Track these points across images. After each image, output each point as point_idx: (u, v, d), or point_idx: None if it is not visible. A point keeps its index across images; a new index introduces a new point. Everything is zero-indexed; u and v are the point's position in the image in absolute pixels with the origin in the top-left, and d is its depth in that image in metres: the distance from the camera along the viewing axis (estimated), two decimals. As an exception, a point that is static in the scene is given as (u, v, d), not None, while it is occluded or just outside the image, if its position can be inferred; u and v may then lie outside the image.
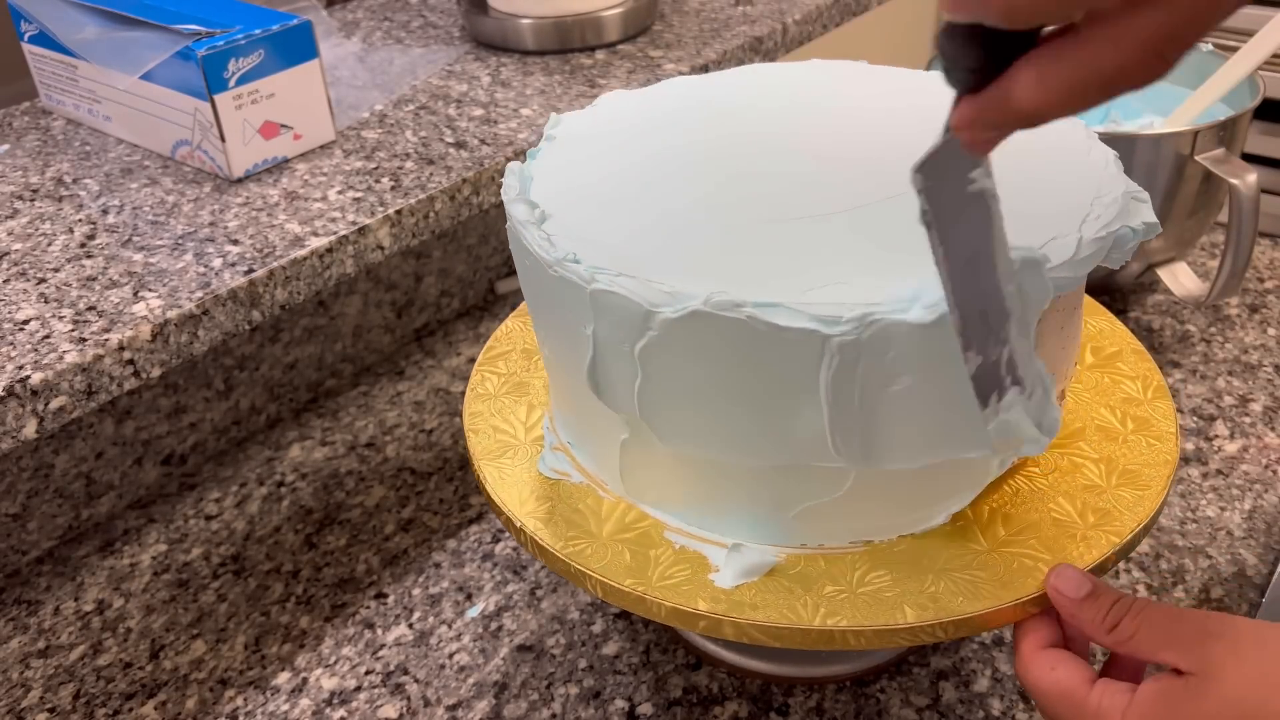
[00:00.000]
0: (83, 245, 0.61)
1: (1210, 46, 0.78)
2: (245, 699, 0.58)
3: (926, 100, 0.53)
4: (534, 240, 0.43)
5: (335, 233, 0.62)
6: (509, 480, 0.50)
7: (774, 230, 0.44)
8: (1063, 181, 0.46)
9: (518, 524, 0.48)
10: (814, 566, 0.45)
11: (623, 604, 0.45)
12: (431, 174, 0.67)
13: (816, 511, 0.45)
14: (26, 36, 0.75)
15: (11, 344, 0.53)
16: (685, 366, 0.41)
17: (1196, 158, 0.70)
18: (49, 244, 0.61)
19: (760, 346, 0.39)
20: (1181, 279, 0.76)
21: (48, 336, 0.53)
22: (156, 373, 0.55)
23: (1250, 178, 0.67)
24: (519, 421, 0.54)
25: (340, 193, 0.66)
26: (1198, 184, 0.72)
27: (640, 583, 0.44)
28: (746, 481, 0.45)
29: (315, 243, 0.61)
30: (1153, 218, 0.43)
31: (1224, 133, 0.70)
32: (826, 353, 0.39)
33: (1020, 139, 0.49)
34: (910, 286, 0.39)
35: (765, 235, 0.43)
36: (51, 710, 0.58)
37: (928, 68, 0.70)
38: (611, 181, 0.48)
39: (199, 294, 0.57)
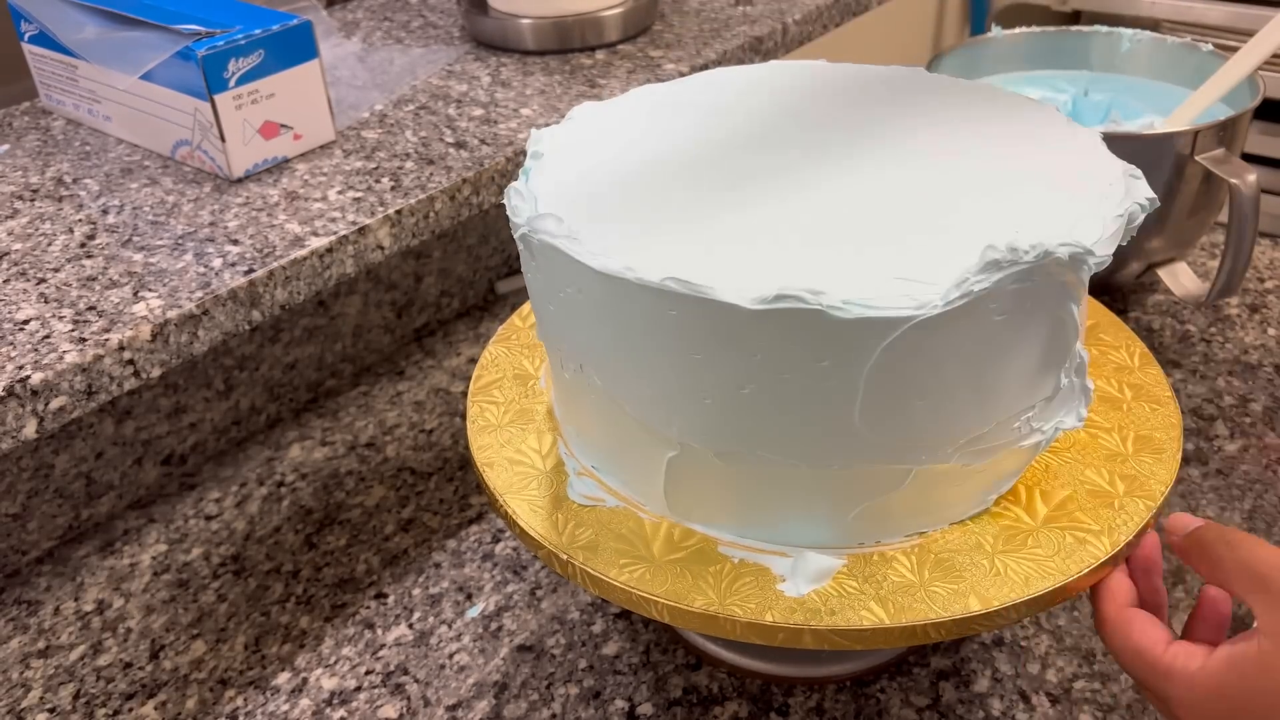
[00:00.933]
0: (83, 245, 0.61)
1: (1210, 46, 0.78)
2: (245, 699, 0.58)
3: (886, 92, 0.55)
4: (611, 266, 0.42)
5: (335, 233, 0.62)
6: (541, 513, 0.48)
7: (802, 228, 0.44)
8: (1062, 166, 0.46)
9: (564, 557, 0.46)
10: (877, 565, 0.45)
11: (693, 626, 0.44)
12: (432, 174, 0.67)
13: (874, 510, 0.45)
14: (26, 36, 0.75)
15: (11, 344, 0.53)
16: (790, 378, 0.41)
17: (1197, 158, 0.70)
18: (49, 244, 0.61)
19: (857, 342, 0.39)
20: (1181, 279, 0.76)
21: (48, 336, 0.53)
22: (156, 373, 0.55)
23: (1250, 177, 0.67)
24: (533, 450, 0.52)
25: (340, 193, 0.66)
26: (1198, 184, 0.72)
27: (710, 602, 0.43)
28: (806, 488, 0.44)
29: (315, 243, 0.61)
30: (1151, 192, 0.44)
31: (1224, 133, 0.70)
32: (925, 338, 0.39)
33: (1004, 130, 0.50)
34: (954, 273, 0.39)
35: (792, 235, 0.44)
36: (51, 710, 0.58)
37: (929, 67, 0.70)
38: (631, 195, 0.47)
39: (199, 294, 0.57)
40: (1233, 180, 0.67)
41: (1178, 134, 0.69)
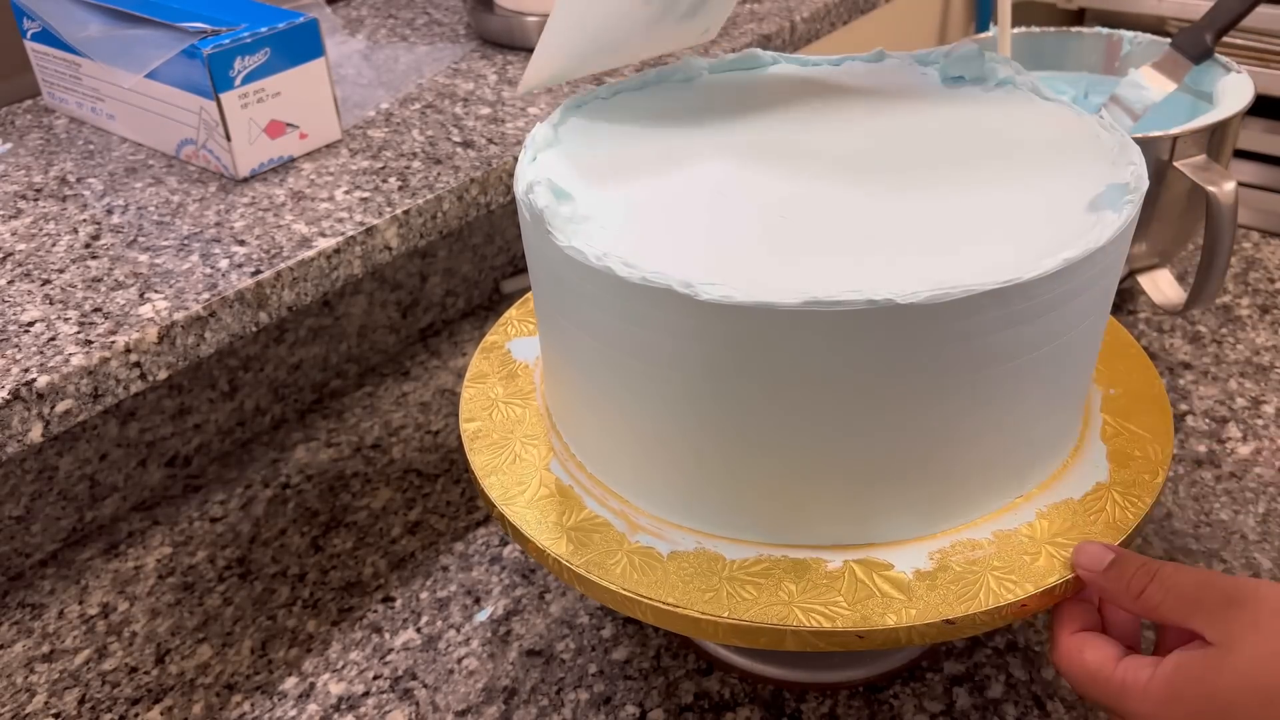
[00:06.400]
0: (87, 246, 0.61)
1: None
2: (252, 704, 0.57)
3: (874, 82, 0.55)
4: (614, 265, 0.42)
5: (343, 233, 0.61)
6: (493, 466, 0.51)
7: (777, 229, 0.44)
8: (1066, 134, 0.48)
9: (499, 508, 0.48)
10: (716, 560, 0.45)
11: (598, 597, 0.45)
12: (439, 174, 0.67)
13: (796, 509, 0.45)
14: (29, 34, 0.74)
15: (17, 346, 0.52)
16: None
17: (1176, 164, 0.68)
18: (53, 244, 0.61)
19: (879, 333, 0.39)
20: (1162, 286, 0.75)
21: (53, 339, 0.53)
22: (163, 375, 0.55)
23: (1228, 186, 0.65)
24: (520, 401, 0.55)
25: (347, 193, 0.65)
26: (1182, 189, 0.70)
27: (594, 568, 0.45)
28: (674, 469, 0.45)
29: (322, 243, 0.60)
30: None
31: (1213, 137, 0.68)
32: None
33: (1010, 124, 0.51)
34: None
35: (762, 234, 0.44)
36: (56, 716, 0.57)
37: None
38: (632, 178, 0.48)
39: (205, 295, 0.56)
40: (1210, 188, 0.65)
41: (1157, 139, 0.67)
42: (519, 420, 0.53)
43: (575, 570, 0.45)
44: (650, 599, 0.43)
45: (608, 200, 0.46)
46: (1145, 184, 0.43)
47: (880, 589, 0.43)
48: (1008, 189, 0.45)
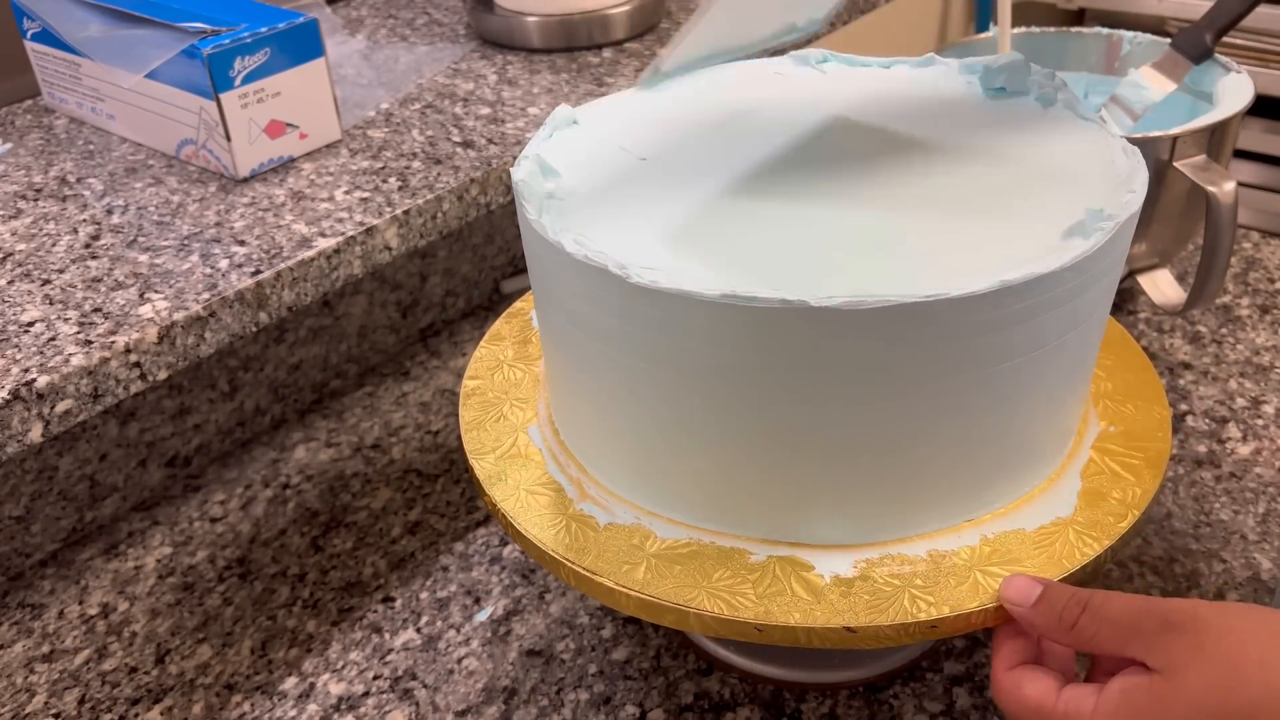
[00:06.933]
0: (87, 246, 0.61)
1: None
2: (252, 704, 0.57)
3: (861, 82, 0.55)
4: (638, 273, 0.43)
5: (343, 233, 0.61)
6: (491, 458, 0.51)
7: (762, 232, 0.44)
8: (1082, 155, 0.47)
9: (493, 500, 0.48)
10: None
11: (577, 584, 0.46)
12: (439, 174, 0.67)
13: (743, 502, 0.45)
14: (29, 34, 0.74)
15: (17, 346, 0.52)
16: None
17: (1176, 164, 0.68)
18: (53, 244, 0.61)
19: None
20: (1162, 286, 0.75)
21: (53, 339, 0.53)
22: (163, 375, 0.55)
23: (1228, 186, 0.65)
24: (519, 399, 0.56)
25: (347, 193, 0.65)
26: (1182, 190, 0.70)
27: (585, 560, 0.45)
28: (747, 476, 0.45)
29: (322, 244, 0.60)
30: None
31: (1212, 137, 0.68)
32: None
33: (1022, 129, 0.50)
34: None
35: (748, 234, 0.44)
36: (56, 716, 0.57)
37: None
38: (628, 175, 0.48)
39: (205, 295, 0.56)
40: (1210, 188, 0.65)
41: (1157, 139, 0.67)
42: (516, 383, 0.55)
43: (516, 528, 0.47)
44: (573, 563, 0.45)
45: (602, 182, 0.47)
46: (1128, 212, 0.42)
47: (791, 588, 0.43)
48: (1002, 204, 0.45)
